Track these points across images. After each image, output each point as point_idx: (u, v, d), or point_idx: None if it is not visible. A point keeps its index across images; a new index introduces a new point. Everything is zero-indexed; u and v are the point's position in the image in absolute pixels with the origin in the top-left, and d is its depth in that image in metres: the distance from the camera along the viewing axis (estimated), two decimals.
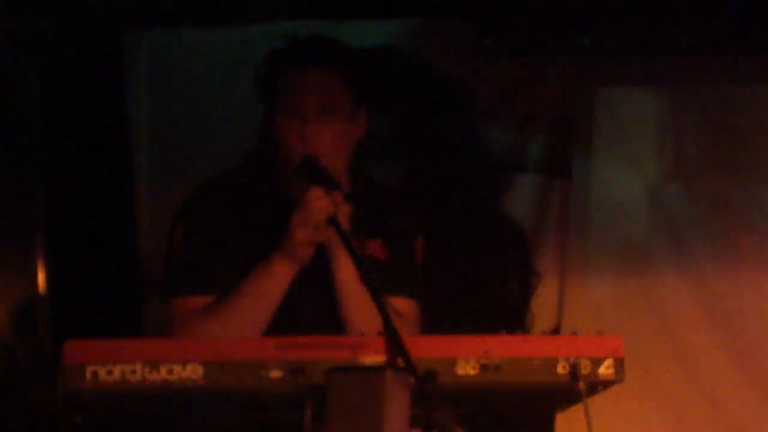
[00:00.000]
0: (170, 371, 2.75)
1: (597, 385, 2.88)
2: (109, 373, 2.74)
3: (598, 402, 2.92)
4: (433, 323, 3.60)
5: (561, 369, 2.85)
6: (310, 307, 3.41)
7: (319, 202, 3.26)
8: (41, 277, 4.45)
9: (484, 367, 2.82)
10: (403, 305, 3.46)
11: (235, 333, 3.26)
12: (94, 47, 4.55)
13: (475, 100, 4.73)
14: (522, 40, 4.62)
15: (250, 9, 4.51)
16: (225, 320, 3.31)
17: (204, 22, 4.62)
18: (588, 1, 4.54)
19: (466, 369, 2.82)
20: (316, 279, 3.40)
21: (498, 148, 4.77)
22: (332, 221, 3.25)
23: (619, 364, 2.87)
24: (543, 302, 4.72)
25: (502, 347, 2.85)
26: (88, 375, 2.73)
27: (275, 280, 3.33)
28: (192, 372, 2.75)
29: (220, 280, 3.38)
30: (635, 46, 4.64)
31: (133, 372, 2.74)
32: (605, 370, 2.86)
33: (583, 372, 2.84)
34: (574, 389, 2.84)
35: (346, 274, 3.32)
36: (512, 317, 4.63)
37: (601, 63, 4.74)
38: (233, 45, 4.62)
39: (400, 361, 2.77)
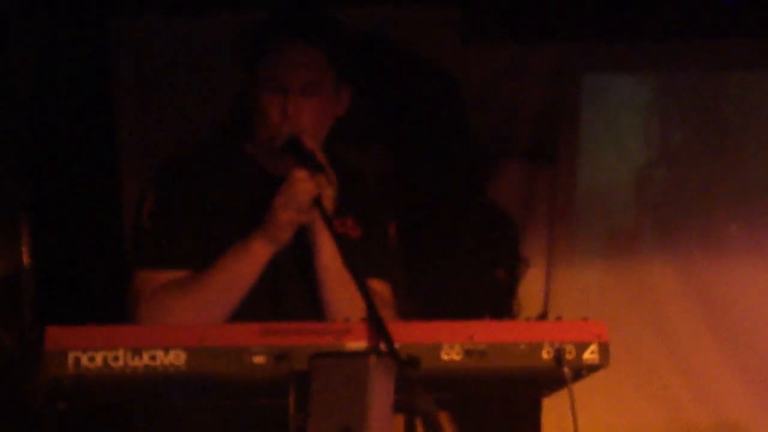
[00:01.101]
0: (153, 357, 2.73)
1: (582, 370, 2.88)
2: (92, 359, 2.72)
3: (583, 387, 2.92)
4: (419, 309, 3.59)
5: (546, 354, 2.84)
6: (290, 290, 3.37)
7: (303, 184, 3.23)
8: (25, 258, 4.43)
9: (468, 353, 2.82)
10: (377, 286, 3.43)
11: (205, 312, 3.22)
12: (80, 33, 4.53)
13: (460, 87, 4.72)
14: (507, 26, 4.60)
15: None
16: (195, 298, 3.26)
17: (191, 8, 4.60)
18: None
19: (451, 354, 2.81)
20: (296, 261, 3.36)
21: (484, 135, 4.76)
22: (316, 203, 3.21)
23: (604, 349, 2.87)
24: (530, 289, 4.71)
25: (486, 333, 2.84)
26: (70, 361, 2.71)
27: (253, 260, 3.28)
28: (175, 358, 2.73)
29: (190, 255, 3.32)
30: (621, 31, 4.62)
31: (116, 358, 2.72)
32: (590, 355, 2.86)
33: (568, 357, 2.84)
34: (559, 374, 2.84)
35: (328, 256, 3.28)
36: (499, 304, 4.63)
37: (587, 49, 4.73)
38: (221, 31, 4.59)
39: (384, 347, 2.76)
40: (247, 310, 3.28)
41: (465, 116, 4.74)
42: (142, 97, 4.67)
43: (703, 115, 4.82)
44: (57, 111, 4.48)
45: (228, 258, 3.30)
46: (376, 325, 2.79)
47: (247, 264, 3.29)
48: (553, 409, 4.15)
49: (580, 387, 2.89)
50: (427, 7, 4.58)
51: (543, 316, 2.98)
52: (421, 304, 3.90)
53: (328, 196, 3.26)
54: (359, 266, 3.03)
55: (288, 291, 3.37)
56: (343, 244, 3.12)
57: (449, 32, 4.61)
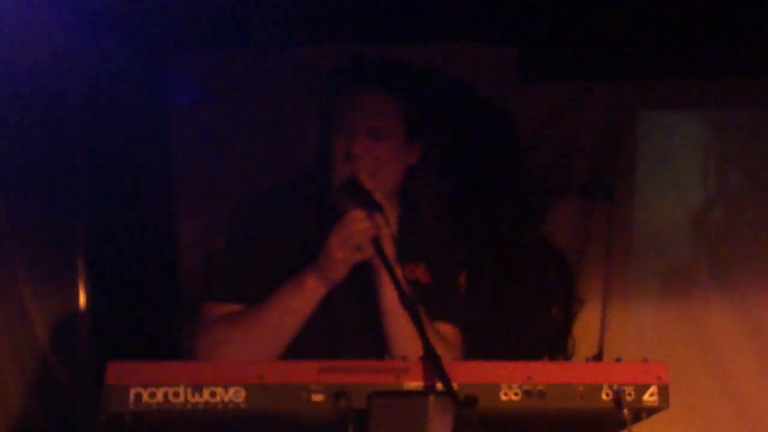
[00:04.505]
0: (213, 394, 2.74)
1: (641, 412, 2.86)
2: (152, 395, 2.73)
3: (641, 429, 2.90)
4: (476, 349, 3.58)
5: (605, 396, 2.83)
6: (347, 326, 3.39)
7: (359, 224, 3.25)
8: (82, 298, 4.47)
9: (527, 393, 2.81)
10: (445, 330, 3.44)
11: (257, 345, 3.25)
12: (137, 68, 4.57)
13: (517, 124, 4.72)
14: (564, 64, 4.61)
15: (294, 32, 4.52)
16: (248, 331, 3.29)
17: (247, 43, 4.63)
18: (630, 25, 4.51)
19: (509, 395, 2.81)
20: (354, 298, 3.38)
21: (540, 172, 4.75)
22: (375, 243, 3.23)
23: (664, 392, 2.85)
24: (585, 328, 4.68)
25: (545, 373, 2.83)
26: (131, 396, 2.73)
27: (305, 296, 3.30)
28: (234, 395, 2.75)
29: (254, 291, 3.35)
30: (678, 69, 4.61)
31: (176, 394, 2.74)
32: (650, 397, 2.84)
33: (628, 399, 2.83)
34: (619, 416, 2.82)
35: (392, 294, 3.28)
36: (554, 343, 4.60)
37: (644, 86, 4.72)
38: (277, 66, 4.63)
39: (442, 386, 2.75)
40: (304, 346, 3.30)
41: (521, 153, 4.74)
42: (199, 132, 4.70)
43: (761, 154, 4.79)
44: (114, 151, 4.52)
45: (281, 293, 3.33)
46: (434, 365, 2.79)
47: (300, 300, 3.32)
48: None
49: (636, 427, 2.87)
50: (484, 46, 4.59)
51: (599, 355, 2.97)
52: (475, 342, 3.89)
53: (387, 235, 3.27)
54: (417, 307, 3.01)
55: (345, 327, 3.39)
56: (400, 284, 3.10)
57: (507, 70, 4.62)
